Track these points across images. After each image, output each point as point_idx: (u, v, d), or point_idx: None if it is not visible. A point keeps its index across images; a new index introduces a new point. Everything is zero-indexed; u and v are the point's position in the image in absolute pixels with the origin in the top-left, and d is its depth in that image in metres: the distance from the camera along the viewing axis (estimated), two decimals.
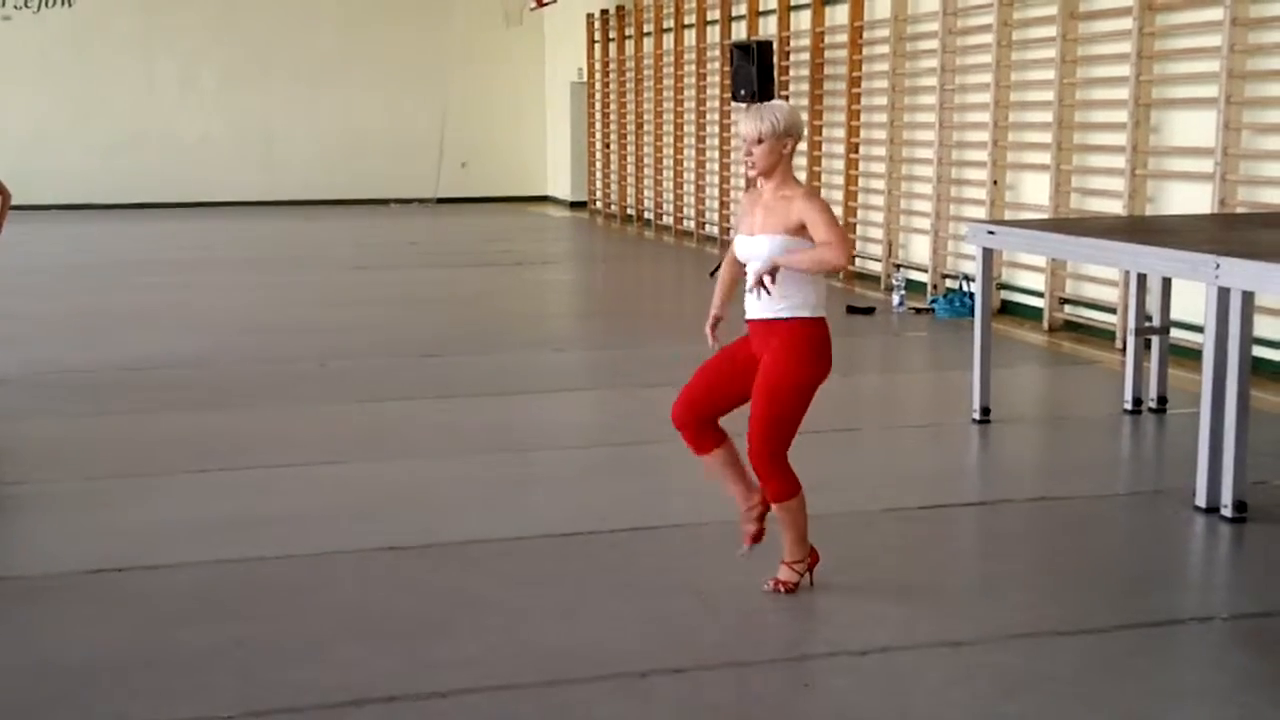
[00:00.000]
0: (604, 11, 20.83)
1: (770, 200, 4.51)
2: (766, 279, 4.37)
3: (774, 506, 4.56)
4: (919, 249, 12.13)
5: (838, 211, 13.58)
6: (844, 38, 13.27)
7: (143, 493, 5.99)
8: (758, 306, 4.47)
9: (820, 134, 13.99)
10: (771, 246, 4.42)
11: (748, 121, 4.50)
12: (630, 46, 19.80)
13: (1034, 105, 10.44)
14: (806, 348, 4.45)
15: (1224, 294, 5.36)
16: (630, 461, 6.27)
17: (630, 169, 20.17)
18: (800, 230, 4.40)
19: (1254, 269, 5.26)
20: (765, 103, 4.64)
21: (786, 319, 4.44)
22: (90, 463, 6.54)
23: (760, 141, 4.46)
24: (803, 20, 14.34)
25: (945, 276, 11.52)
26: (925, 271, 11.76)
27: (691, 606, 4.57)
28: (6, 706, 3.86)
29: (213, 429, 7.23)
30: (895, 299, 11.31)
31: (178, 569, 4.98)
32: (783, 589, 4.58)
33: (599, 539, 5.25)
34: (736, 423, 4.57)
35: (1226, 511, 5.37)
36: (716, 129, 16.59)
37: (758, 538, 4.74)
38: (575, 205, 22.96)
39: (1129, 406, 7.35)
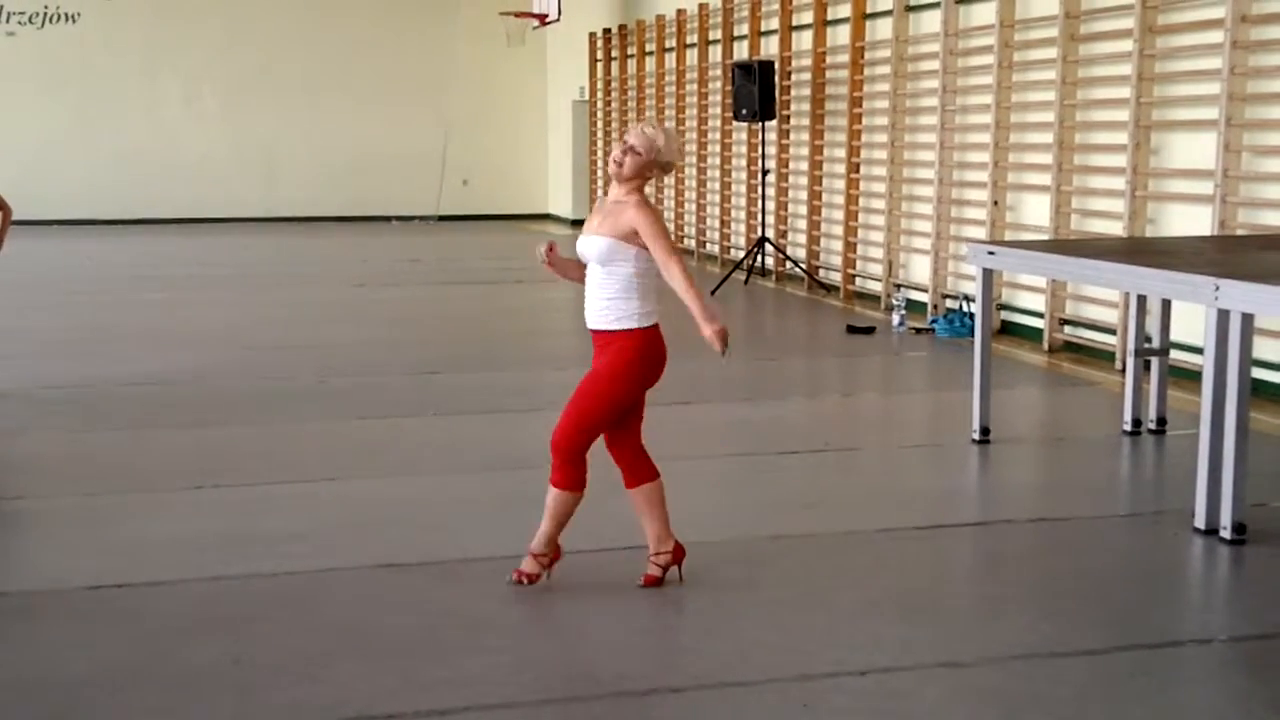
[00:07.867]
0: (606, 30, 20.89)
1: (610, 206, 4.86)
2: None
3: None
4: (919, 269, 12.14)
5: (837, 230, 13.62)
6: (845, 58, 13.30)
7: (141, 509, 5.99)
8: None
9: (821, 154, 14.01)
10: (600, 247, 4.77)
11: (641, 136, 4.81)
12: (632, 65, 19.84)
13: (1034, 126, 10.46)
14: (635, 357, 4.88)
15: (1223, 316, 5.37)
16: None
17: None
18: (631, 235, 4.74)
19: (1254, 291, 5.26)
20: (665, 128, 4.96)
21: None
22: (89, 479, 6.53)
23: (638, 155, 4.80)
24: (804, 40, 14.37)
25: (945, 296, 11.53)
26: (925, 291, 11.77)
27: (691, 625, 4.56)
28: None
29: (211, 445, 7.24)
30: (895, 319, 11.31)
31: (176, 585, 4.97)
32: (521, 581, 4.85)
33: (597, 557, 5.24)
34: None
35: (1226, 533, 5.37)
36: (718, 148, 16.62)
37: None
38: (576, 223, 22.97)
39: (1128, 427, 7.35)
